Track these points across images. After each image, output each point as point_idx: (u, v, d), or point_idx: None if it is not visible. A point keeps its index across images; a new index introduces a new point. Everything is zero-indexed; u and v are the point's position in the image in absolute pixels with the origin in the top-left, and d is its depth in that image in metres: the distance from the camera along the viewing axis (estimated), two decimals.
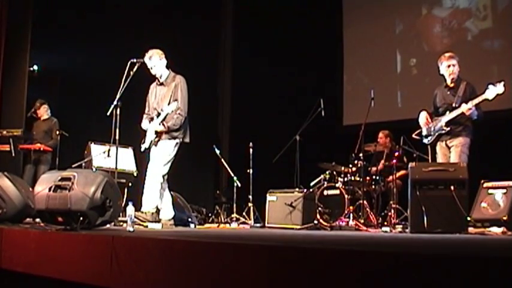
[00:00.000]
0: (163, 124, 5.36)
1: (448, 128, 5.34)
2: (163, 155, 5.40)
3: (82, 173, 4.04)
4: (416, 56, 8.51)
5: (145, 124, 5.57)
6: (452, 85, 5.45)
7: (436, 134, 5.45)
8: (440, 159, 5.45)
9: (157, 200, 5.40)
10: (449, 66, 5.45)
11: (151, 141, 5.43)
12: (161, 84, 5.56)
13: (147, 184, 5.42)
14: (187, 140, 5.54)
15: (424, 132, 5.59)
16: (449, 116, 5.34)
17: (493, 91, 5.09)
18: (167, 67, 5.59)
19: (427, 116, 5.57)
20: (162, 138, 5.42)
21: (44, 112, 7.56)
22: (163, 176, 5.41)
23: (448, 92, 5.48)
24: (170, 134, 5.41)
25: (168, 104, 5.36)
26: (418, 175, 4.88)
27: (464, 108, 5.18)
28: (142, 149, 5.54)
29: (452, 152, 5.33)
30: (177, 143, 5.44)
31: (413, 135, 5.71)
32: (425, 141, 5.59)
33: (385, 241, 3.53)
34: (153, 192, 5.37)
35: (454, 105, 5.33)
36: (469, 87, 5.37)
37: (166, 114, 5.33)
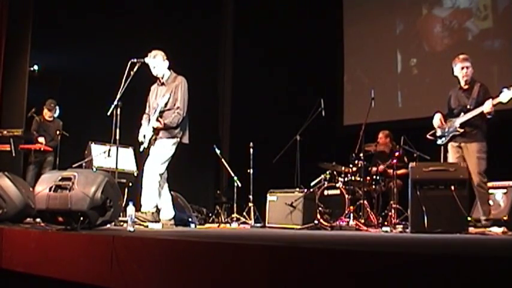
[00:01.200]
0: (159, 121, 5.35)
1: (462, 130, 5.32)
2: (160, 153, 5.40)
3: (82, 173, 4.04)
4: (416, 56, 8.51)
5: (144, 126, 5.56)
6: (466, 87, 5.45)
7: (450, 135, 5.43)
8: (451, 158, 5.42)
9: (156, 199, 5.40)
10: (463, 68, 5.45)
11: (150, 140, 5.43)
12: (162, 84, 5.57)
13: (145, 184, 5.42)
14: (185, 140, 5.53)
15: (439, 133, 5.57)
16: (464, 117, 5.32)
17: (508, 94, 5.06)
18: (169, 68, 5.60)
19: (441, 117, 5.55)
20: (160, 137, 5.41)
21: (53, 113, 7.54)
22: (160, 175, 5.41)
23: (462, 94, 5.47)
24: (168, 132, 5.40)
25: (167, 103, 5.36)
26: (419, 175, 4.88)
27: (486, 107, 5.14)
28: (141, 150, 5.54)
29: (470, 160, 5.28)
30: (175, 143, 5.44)
31: (428, 136, 5.69)
32: (439, 142, 5.57)
33: (386, 241, 3.53)
34: (151, 192, 5.37)
35: (468, 107, 5.33)
36: (482, 88, 5.37)
37: (162, 111, 5.33)
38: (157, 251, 2.88)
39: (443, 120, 5.53)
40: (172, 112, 5.38)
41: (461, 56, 5.55)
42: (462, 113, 5.35)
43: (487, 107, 5.13)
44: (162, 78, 5.56)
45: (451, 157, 5.42)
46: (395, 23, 8.83)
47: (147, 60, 5.42)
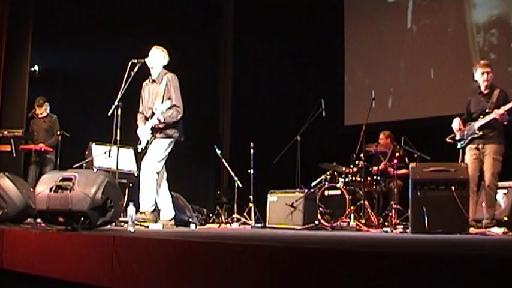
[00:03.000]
0: (158, 119, 5.34)
1: (481, 133, 5.33)
2: (157, 152, 5.40)
3: (83, 173, 4.05)
4: (418, 56, 8.50)
5: (140, 127, 5.55)
6: (486, 91, 5.47)
7: (469, 138, 5.44)
8: (467, 159, 5.42)
9: (154, 198, 5.40)
10: (483, 73, 5.47)
11: (148, 141, 5.43)
12: (153, 81, 5.56)
13: (143, 183, 5.42)
14: (181, 138, 5.53)
15: (458, 137, 5.59)
16: (482, 121, 5.34)
17: None
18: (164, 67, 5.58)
19: (460, 122, 5.57)
20: (157, 137, 5.42)
21: (44, 110, 7.54)
22: (157, 173, 5.41)
23: (482, 98, 5.48)
24: (165, 133, 5.40)
25: (162, 103, 5.36)
26: (419, 175, 4.88)
27: (497, 113, 5.18)
28: (139, 150, 5.54)
29: (486, 161, 5.30)
30: (171, 141, 5.44)
31: (447, 139, 5.70)
32: (458, 145, 5.58)
33: (386, 241, 3.53)
34: (149, 191, 5.37)
35: (487, 110, 5.34)
36: (502, 93, 5.40)
37: (161, 112, 5.33)
38: (158, 251, 2.88)
39: (462, 124, 5.55)
40: (170, 109, 5.37)
41: (482, 62, 5.61)
42: (481, 116, 5.37)
43: (497, 113, 5.17)
44: (153, 74, 5.53)
45: (468, 158, 5.43)
46: (397, 22, 8.82)
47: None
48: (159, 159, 5.40)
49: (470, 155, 5.41)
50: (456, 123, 5.60)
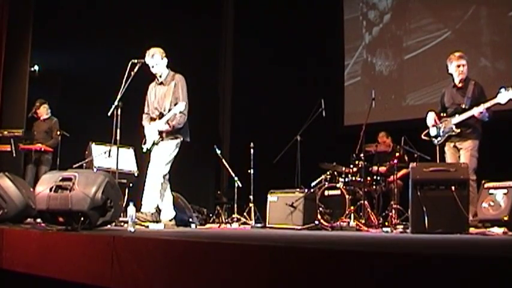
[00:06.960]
0: (168, 123, 5.35)
1: (458, 130, 5.31)
2: (165, 154, 5.40)
3: (83, 173, 4.05)
4: (418, 55, 8.49)
5: (146, 127, 5.55)
6: (460, 85, 5.43)
7: (446, 135, 5.42)
8: (449, 159, 5.42)
9: (157, 200, 5.41)
10: (459, 66, 5.41)
11: (154, 142, 5.43)
12: (160, 83, 5.56)
13: (148, 184, 5.42)
14: (187, 139, 5.54)
15: (433, 133, 5.55)
16: (459, 118, 5.31)
17: (506, 96, 5.02)
18: (167, 66, 5.59)
19: (435, 117, 5.53)
20: (164, 139, 5.42)
21: (44, 112, 7.55)
22: (163, 176, 5.41)
23: (457, 92, 5.44)
24: (172, 134, 5.41)
25: (170, 103, 5.36)
26: (419, 175, 4.87)
27: (476, 111, 5.15)
28: (144, 150, 5.54)
29: (462, 156, 5.30)
30: (178, 143, 5.45)
31: (422, 136, 5.67)
32: (434, 141, 5.55)
33: (386, 241, 3.53)
34: (154, 193, 5.37)
35: (463, 106, 5.30)
36: (477, 87, 5.34)
37: (174, 114, 5.32)
38: (158, 251, 2.88)
39: (438, 118, 5.52)
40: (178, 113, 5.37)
41: (457, 54, 5.51)
42: (457, 113, 5.34)
43: (476, 111, 5.14)
44: (161, 77, 5.54)
45: (449, 157, 5.42)
46: (396, 22, 8.81)
47: (146, 60, 5.41)
48: (167, 162, 5.41)
49: (451, 153, 5.41)
50: (431, 118, 5.56)
